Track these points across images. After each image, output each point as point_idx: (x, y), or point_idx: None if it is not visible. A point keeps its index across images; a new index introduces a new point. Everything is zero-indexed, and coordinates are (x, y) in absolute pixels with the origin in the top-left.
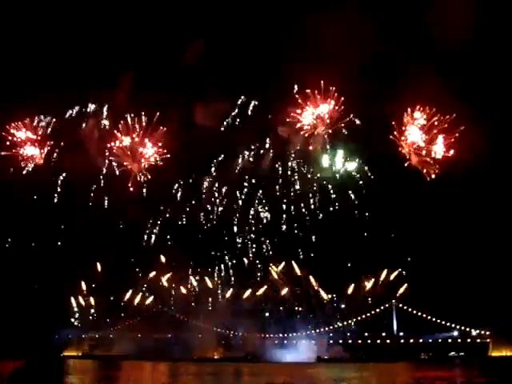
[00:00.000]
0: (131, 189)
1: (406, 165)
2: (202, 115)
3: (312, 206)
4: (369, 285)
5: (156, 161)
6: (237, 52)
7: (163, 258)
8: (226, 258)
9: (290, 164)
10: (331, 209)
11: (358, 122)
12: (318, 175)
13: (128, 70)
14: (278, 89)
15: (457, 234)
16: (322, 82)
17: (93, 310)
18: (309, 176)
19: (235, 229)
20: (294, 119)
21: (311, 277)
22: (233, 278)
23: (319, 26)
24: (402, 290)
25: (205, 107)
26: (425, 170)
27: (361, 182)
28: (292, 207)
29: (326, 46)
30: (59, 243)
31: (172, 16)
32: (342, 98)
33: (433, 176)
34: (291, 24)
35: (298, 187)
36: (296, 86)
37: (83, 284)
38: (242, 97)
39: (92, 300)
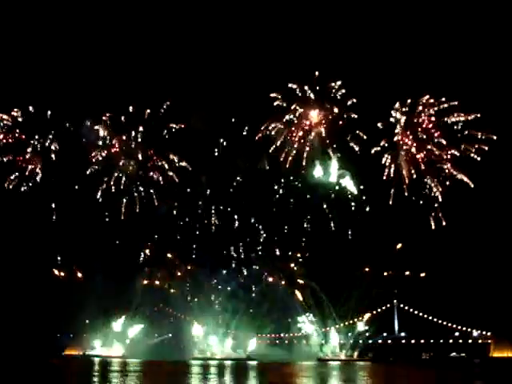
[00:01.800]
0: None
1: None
2: (198, 126)
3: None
4: (370, 285)
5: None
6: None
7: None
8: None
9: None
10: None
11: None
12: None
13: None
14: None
15: (458, 236)
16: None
17: (94, 310)
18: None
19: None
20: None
21: (309, 278)
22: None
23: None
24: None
25: (200, 122)
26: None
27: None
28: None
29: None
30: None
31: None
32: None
33: (439, 217)
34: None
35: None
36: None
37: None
38: (233, 119)
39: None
